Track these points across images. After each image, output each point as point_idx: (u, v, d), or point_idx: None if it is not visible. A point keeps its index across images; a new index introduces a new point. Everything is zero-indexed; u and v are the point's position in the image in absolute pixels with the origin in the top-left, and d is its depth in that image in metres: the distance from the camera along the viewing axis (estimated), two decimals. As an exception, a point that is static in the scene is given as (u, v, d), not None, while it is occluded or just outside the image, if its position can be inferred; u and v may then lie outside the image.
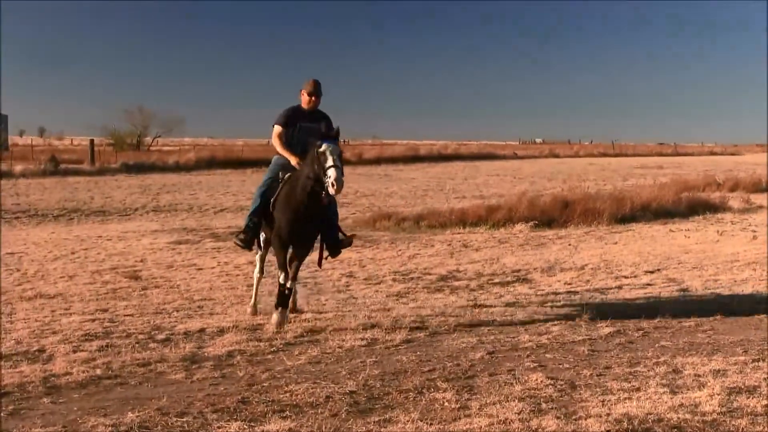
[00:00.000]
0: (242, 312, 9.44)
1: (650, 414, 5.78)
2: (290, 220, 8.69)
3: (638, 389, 6.33)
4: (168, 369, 7.11)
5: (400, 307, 9.65)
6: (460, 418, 5.83)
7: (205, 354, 7.62)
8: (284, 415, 5.88)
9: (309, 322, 8.93)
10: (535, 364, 7.15)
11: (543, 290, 10.93)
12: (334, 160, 8.26)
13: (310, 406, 6.09)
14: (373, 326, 8.62)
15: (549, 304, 9.98)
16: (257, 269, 9.60)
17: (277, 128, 9.13)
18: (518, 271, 12.40)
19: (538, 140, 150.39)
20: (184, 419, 5.79)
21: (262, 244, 9.32)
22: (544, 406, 6.04)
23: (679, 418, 5.71)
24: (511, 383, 6.58)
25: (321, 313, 9.45)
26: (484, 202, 22.53)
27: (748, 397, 6.12)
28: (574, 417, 5.80)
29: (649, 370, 6.91)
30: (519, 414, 5.85)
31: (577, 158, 74.84)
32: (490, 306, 9.79)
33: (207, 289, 10.95)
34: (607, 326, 8.62)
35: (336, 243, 9.10)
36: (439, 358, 7.47)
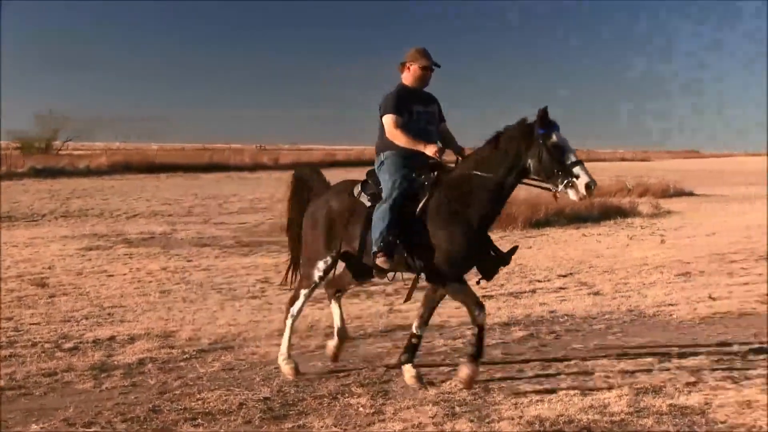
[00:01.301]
0: (154, 318, 9.25)
1: (561, 415, 5.89)
2: (470, 234, 6.71)
3: (550, 391, 6.42)
4: (75, 378, 6.95)
5: (316, 313, 9.60)
6: (374, 423, 5.84)
7: (115, 362, 7.47)
8: (196, 423, 5.82)
9: (223, 328, 8.82)
10: (450, 368, 7.19)
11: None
12: (576, 157, 6.56)
13: (223, 413, 6.03)
14: (288, 332, 8.54)
15: (462, 309, 10.03)
16: (296, 307, 7.27)
17: (393, 117, 7.04)
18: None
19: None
20: (92, 429, 5.68)
21: (318, 277, 7.20)
22: (458, 409, 6.09)
23: (588, 419, 5.83)
24: (426, 387, 6.60)
25: (235, 319, 9.34)
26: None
27: (655, 397, 6.30)
28: (487, 420, 5.87)
29: (560, 373, 7.01)
30: (433, 418, 5.89)
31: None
32: (406, 311, 9.81)
33: (118, 296, 10.70)
34: (520, 330, 8.72)
35: (506, 257, 7.03)
36: (354, 363, 7.46)
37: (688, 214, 23.26)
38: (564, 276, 12.46)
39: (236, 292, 11.13)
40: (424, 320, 7.11)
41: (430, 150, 6.91)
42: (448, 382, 6.69)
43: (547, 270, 13.01)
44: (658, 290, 11.10)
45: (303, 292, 7.24)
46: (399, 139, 7.00)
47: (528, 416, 5.90)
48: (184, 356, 7.69)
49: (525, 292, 11.10)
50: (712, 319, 9.32)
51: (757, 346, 7.92)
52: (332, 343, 7.54)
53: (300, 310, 7.31)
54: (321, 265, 7.17)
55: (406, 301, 7.31)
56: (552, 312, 9.74)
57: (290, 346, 7.28)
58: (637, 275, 12.44)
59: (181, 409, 6.09)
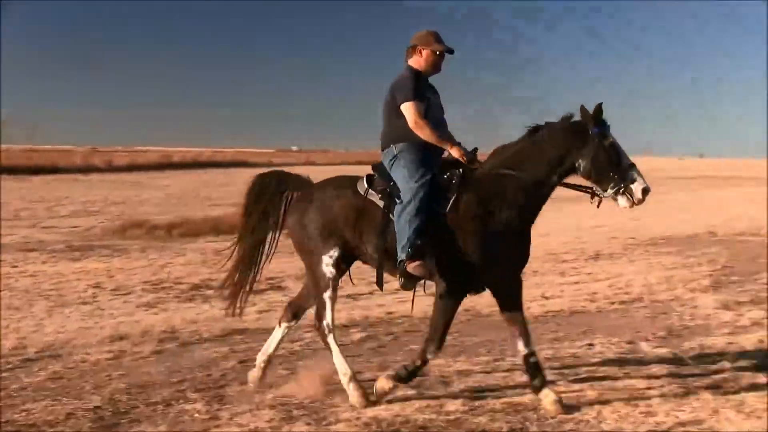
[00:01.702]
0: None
1: (398, 416, 5.94)
2: (511, 238, 6.20)
3: (387, 392, 6.44)
4: None
5: (149, 318, 9.34)
6: (209, 429, 5.73)
7: (-68, 374, 7.02)
8: (19, 435, 5.54)
9: (50, 336, 8.43)
10: (288, 372, 7.13)
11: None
12: (630, 160, 6.11)
13: (49, 424, 5.78)
14: (120, 338, 8.28)
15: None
16: (329, 317, 6.46)
17: (417, 104, 6.30)
18: (273, 278, 12.34)
19: (294, 148, 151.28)
20: None
21: (331, 273, 6.48)
22: (295, 413, 6.04)
23: (425, 418, 5.90)
24: (263, 391, 6.52)
25: (64, 326, 8.95)
26: (239, 211, 22.30)
27: (489, 395, 6.42)
28: (324, 422, 5.85)
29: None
30: (270, 422, 5.83)
31: (334, 166, 76.02)
32: (243, 314, 9.66)
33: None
34: (358, 332, 8.75)
35: None
36: (189, 368, 7.30)
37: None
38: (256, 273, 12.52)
39: (66, 298, 10.68)
40: (525, 334, 6.29)
41: (456, 153, 6.33)
42: (285, 386, 6.62)
43: (385, 272, 13.09)
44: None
45: (326, 294, 6.45)
46: (424, 131, 6.29)
47: (365, 418, 5.92)
48: (8, 366, 7.31)
49: (363, 294, 11.13)
50: (545, 317, 9.62)
51: (586, 342, 8.21)
52: (254, 374, 6.76)
53: (334, 319, 6.48)
54: (328, 259, 6.44)
55: (412, 310, 6.76)
56: (389, 313, 9.81)
57: (348, 366, 6.40)
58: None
59: (2, 423, 5.79)
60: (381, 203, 6.33)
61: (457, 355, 7.77)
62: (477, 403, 6.25)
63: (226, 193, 34.56)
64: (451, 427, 5.78)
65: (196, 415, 6.01)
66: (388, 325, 9.15)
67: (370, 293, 11.21)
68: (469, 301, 10.29)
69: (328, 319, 6.42)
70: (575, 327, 8.94)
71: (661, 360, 7.47)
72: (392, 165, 6.37)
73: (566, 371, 7.13)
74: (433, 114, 6.41)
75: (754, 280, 12.13)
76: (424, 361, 6.35)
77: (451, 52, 6.50)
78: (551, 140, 6.21)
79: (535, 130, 6.31)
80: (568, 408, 6.01)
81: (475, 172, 6.31)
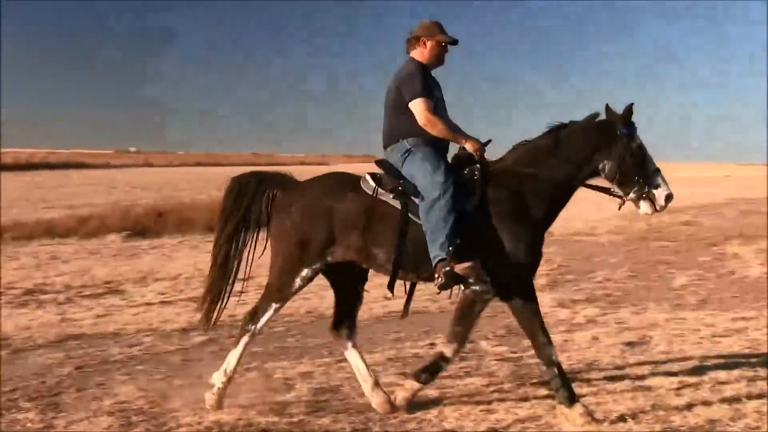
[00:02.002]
0: None
1: (240, 419, 5.88)
2: (536, 238, 6.02)
3: (229, 396, 6.36)
4: None
5: (6, 322, 8.91)
6: (43, 438, 5.52)
7: None
8: None
9: None
10: (126, 377, 6.96)
11: (135, 301, 10.65)
12: (656, 165, 5.94)
13: None
14: (-54, 346, 7.86)
15: (142, 315, 9.75)
16: (261, 323, 6.19)
17: (426, 101, 6.01)
18: (110, 282, 12.00)
19: (133, 149, 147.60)
20: None
21: (297, 287, 6.18)
22: (134, 419, 5.91)
23: (267, 421, 5.87)
24: (101, 398, 6.36)
25: None
26: (75, 213, 21.59)
27: (332, 397, 6.49)
28: (165, 428, 5.75)
29: (240, 377, 6.98)
30: (108, 429, 5.70)
31: (173, 167, 74.63)
32: (80, 319, 9.36)
33: None
34: (200, 335, 8.60)
35: None
36: (22, 376, 7.01)
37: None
38: (244, 280, 12.42)
39: None
40: (460, 340, 6.15)
41: (470, 146, 6.03)
42: (125, 391, 6.45)
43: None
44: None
45: (274, 305, 6.12)
46: (436, 127, 6.00)
47: (207, 422, 5.83)
48: None
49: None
50: (388, 318, 9.72)
51: (428, 342, 8.34)
52: (377, 398, 6.18)
53: (263, 327, 6.19)
54: (306, 272, 6.05)
55: (403, 316, 6.40)
56: (232, 316, 9.67)
57: (234, 370, 6.17)
58: (316, 278, 12.70)
59: None
60: (395, 203, 5.92)
61: (300, 356, 7.77)
62: (320, 404, 6.27)
63: (62, 195, 33.41)
64: (294, 429, 5.77)
65: (29, 424, 5.79)
66: (231, 329, 9.01)
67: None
68: (313, 304, 10.38)
69: (260, 325, 6.14)
70: (417, 327, 9.07)
71: (500, 358, 7.68)
72: (405, 160, 6.03)
73: (408, 371, 7.22)
74: (436, 110, 6.13)
75: (589, 279, 12.62)
76: (447, 360, 6.16)
77: (455, 43, 6.24)
78: (577, 139, 6.01)
79: (559, 128, 6.09)
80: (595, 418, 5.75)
81: (493, 168, 6.05)
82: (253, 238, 6.35)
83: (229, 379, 6.15)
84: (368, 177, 6.05)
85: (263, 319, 6.13)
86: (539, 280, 12.10)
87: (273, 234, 6.22)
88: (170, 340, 8.39)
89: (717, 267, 13.95)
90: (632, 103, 5.92)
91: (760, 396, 6.20)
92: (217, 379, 6.12)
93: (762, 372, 6.93)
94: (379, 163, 6.24)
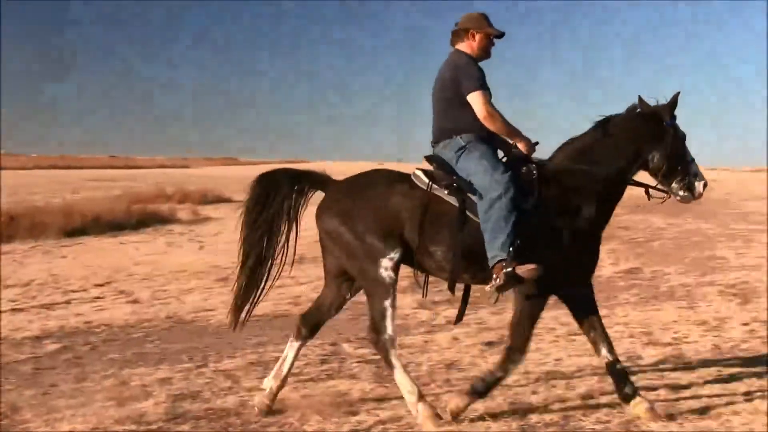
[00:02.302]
0: None
1: (96, 428, 5.70)
2: (597, 236, 5.96)
3: (84, 404, 6.17)
4: None
5: None
6: None
7: None
8: None
9: None
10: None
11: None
12: (691, 154, 6.01)
13: None
14: None
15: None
16: (390, 326, 5.77)
17: (488, 95, 5.89)
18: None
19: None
20: None
21: (390, 277, 5.81)
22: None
23: (124, 429, 5.70)
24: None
25: None
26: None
27: (192, 403, 6.33)
28: (14, 441, 5.50)
29: (96, 384, 6.78)
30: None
31: (25, 170, 71.94)
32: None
33: None
34: (53, 343, 8.30)
35: None
36: None
37: (227, 221, 23.90)
38: (101, 285, 12.09)
39: None
40: (607, 342, 5.98)
41: (523, 145, 5.91)
42: None
43: (83, 279, 12.53)
44: (197, 296, 11.21)
45: (387, 302, 5.74)
46: (496, 121, 5.85)
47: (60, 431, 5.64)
48: None
49: (59, 303, 10.60)
50: (249, 322, 9.58)
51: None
52: (263, 400, 6.10)
53: (395, 331, 5.78)
54: (387, 262, 5.74)
55: (457, 322, 6.15)
56: (88, 322, 9.40)
57: (414, 383, 5.77)
58: (176, 282, 12.47)
59: None
60: (451, 199, 5.73)
61: (159, 362, 7.58)
62: (179, 410, 6.12)
63: None
64: (152, 436, 5.64)
65: None
66: (87, 335, 8.75)
67: (67, 302, 10.71)
68: (173, 308, 10.18)
69: (390, 331, 5.72)
70: (279, 331, 8.99)
71: (363, 360, 7.70)
72: (460, 157, 5.85)
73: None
74: None
75: (449, 281, 12.79)
76: (507, 371, 5.90)
77: (502, 35, 6.12)
78: (626, 133, 5.96)
79: (604, 123, 6.02)
80: (661, 415, 5.75)
81: (546, 166, 5.94)
82: (286, 237, 6.17)
83: (420, 395, 5.74)
84: (419, 173, 5.88)
85: (389, 324, 5.74)
86: (401, 283, 12.19)
87: (337, 237, 5.97)
88: (21, 349, 8.06)
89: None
90: (678, 92, 5.98)
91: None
92: (417, 411, 5.69)
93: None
94: (430, 158, 6.02)
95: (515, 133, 5.94)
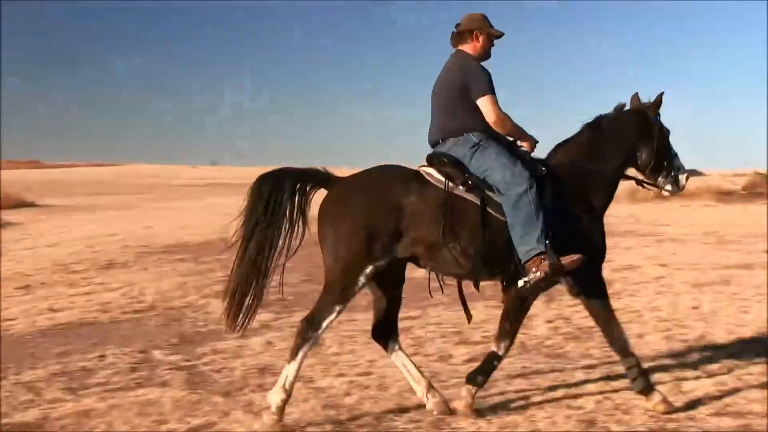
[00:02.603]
0: None
1: None
2: (603, 230, 6.16)
3: None
4: None
5: None
6: None
7: None
8: None
9: None
10: None
11: None
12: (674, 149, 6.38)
13: None
14: None
15: None
16: (323, 328, 5.80)
17: (496, 98, 6.01)
18: None
19: None
20: None
21: (361, 285, 5.84)
22: None
23: None
24: None
25: None
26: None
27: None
28: None
29: None
30: None
31: None
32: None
33: None
34: None
35: None
36: None
37: (29, 226, 22.89)
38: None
39: None
40: (510, 336, 6.09)
41: (528, 145, 6.14)
42: None
43: None
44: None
45: (337, 308, 5.73)
46: (506, 125, 6.00)
47: None
48: None
49: None
50: (53, 331, 9.21)
51: (98, 354, 7.99)
52: (433, 404, 6.00)
53: (324, 332, 5.78)
54: (371, 269, 5.71)
55: (470, 320, 6.28)
56: None
57: (293, 384, 5.71)
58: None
59: None
60: (469, 196, 5.77)
61: None
62: None
63: None
64: None
65: None
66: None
67: None
68: None
69: (322, 331, 5.75)
70: (86, 339, 8.68)
71: (174, 367, 7.51)
72: (475, 153, 5.89)
73: (75, 385, 6.88)
74: None
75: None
76: (499, 358, 6.06)
77: (501, 36, 6.25)
78: (619, 131, 6.24)
79: (597, 123, 6.27)
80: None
81: (550, 164, 6.11)
82: (286, 241, 5.95)
83: (289, 396, 5.71)
84: (432, 171, 5.88)
85: (325, 324, 5.73)
86: (214, 287, 12.06)
87: (327, 233, 5.86)
88: None
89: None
90: (663, 92, 6.28)
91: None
92: (275, 397, 5.67)
93: (425, 368, 7.32)
94: (439, 156, 5.98)
95: (522, 133, 6.14)
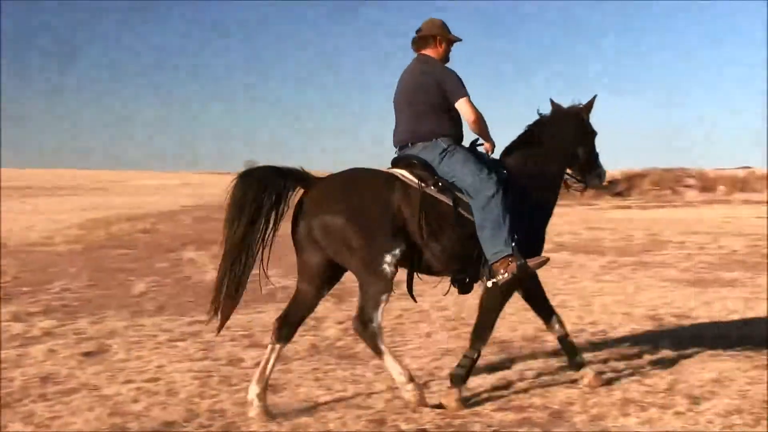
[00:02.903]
0: None
1: None
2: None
3: None
4: None
5: None
6: None
7: None
8: None
9: None
10: None
11: None
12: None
13: None
14: None
15: None
16: (380, 316, 5.90)
17: (471, 99, 6.25)
18: None
19: None
20: None
21: (391, 271, 5.88)
22: None
23: None
24: None
25: None
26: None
27: None
28: None
29: None
30: None
31: None
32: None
33: None
34: None
35: None
36: None
37: None
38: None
39: None
40: (554, 314, 6.78)
41: (488, 146, 6.41)
42: None
43: None
44: None
45: (384, 296, 5.88)
46: (480, 126, 6.30)
47: None
48: None
49: None
50: None
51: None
52: (255, 409, 5.91)
53: (382, 319, 5.95)
54: (390, 258, 5.85)
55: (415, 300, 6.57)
56: None
57: (407, 370, 6.07)
58: None
59: None
60: (442, 197, 6.01)
61: None
62: None
63: None
64: None
65: None
66: None
67: None
68: None
69: (379, 320, 5.89)
70: None
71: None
72: (443, 159, 6.12)
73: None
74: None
75: (46, 290, 12.05)
76: (479, 354, 6.31)
77: (459, 41, 6.49)
78: (560, 133, 6.58)
79: (539, 125, 6.62)
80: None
81: (508, 166, 6.41)
82: (270, 237, 6.06)
83: (416, 381, 6.08)
84: (404, 172, 6.08)
85: (380, 314, 5.91)
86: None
87: (337, 231, 5.88)
88: None
89: (174, 273, 14.27)
90: (596, 95, 6.69)
91: (213, 396, 6.45)
92: (411, 393, 5.98)
93: (215, 372, 7.25)
94: (407, 158, 6.21)
95: (487, 134, 6.39)
